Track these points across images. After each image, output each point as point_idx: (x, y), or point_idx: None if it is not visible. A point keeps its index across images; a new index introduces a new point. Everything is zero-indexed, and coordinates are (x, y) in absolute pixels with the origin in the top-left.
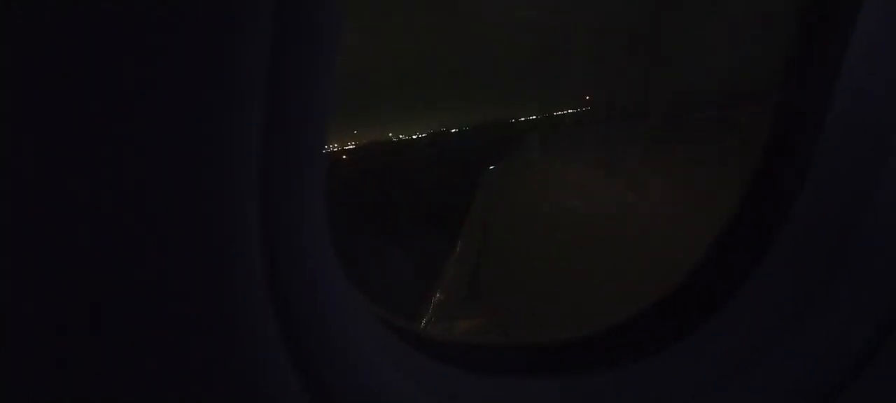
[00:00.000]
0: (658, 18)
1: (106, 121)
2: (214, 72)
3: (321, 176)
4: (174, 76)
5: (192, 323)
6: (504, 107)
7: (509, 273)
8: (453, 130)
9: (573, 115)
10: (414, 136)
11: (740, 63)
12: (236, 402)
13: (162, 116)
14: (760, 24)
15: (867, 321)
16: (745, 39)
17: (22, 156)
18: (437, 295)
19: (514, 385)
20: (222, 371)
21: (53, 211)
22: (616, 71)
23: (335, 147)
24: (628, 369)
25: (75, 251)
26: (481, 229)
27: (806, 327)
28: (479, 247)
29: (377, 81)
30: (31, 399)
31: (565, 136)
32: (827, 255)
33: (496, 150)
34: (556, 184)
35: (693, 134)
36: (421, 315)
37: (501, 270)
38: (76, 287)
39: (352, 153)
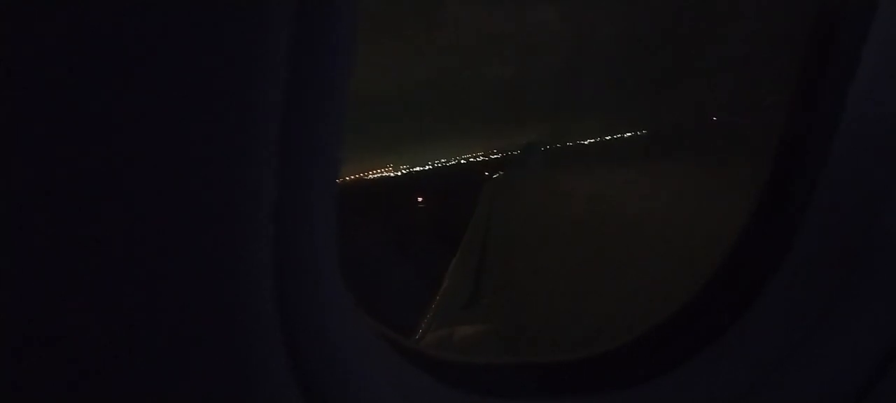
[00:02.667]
0: (669, 37)
1: (123, 146)
2: (231, 102)
3: (333, 194)
4: (192, 111)
5: (195, 331)
6: (516, 133)
7: (510, 280)
8: (463, 160)
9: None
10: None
11: (751, 76)
12: None
13: (180, 145)
14: (771, 36)
15: (884, 332)
16: (755, 53)
17: (36, 163)
18: (438, 302)
19: None
20: (223, 380)
21: (63, 220)
22: (631, 87)
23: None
24: (632, 392)
25: (85, 258)
26: (482, 237)
27: (821, 340)
28: (480, 255)
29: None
30: (31, 398)
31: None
32: (840, 266)
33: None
34: (557, 193)
35: (700, 144)
36: (422, 322)
37: (502, 277)
38: (83, 292)
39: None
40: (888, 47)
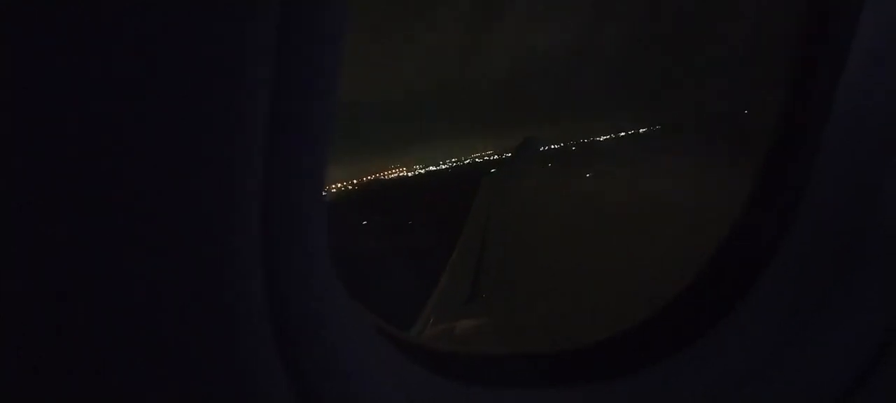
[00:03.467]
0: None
1: (111, 148)
2: (218, 103)
3: (321, 189)
4: (179, 113)
5: (187, 332)
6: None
7: (508, 274)
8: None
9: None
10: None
11: (746, 73)
12: None
13: (167, 146)
14: (765, 33)
15: (876, 325)
16: (749, 51)
17: (29, 164)
18: (438, 297)
19: (513, 396)
20: (217, 380)
21: (55, 221)
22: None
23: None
24: (626, 381)
25: (76, 259)
26: (481, 231)
27: (813, 333)
28: (479, 249)
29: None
30: (28, 398)
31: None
32: (833, 259)
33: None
34: (554, 188)
35: (696, 140)
36: (421, 317)
37: (501, 271)
38: (75, 293)
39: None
40: (877, 41)
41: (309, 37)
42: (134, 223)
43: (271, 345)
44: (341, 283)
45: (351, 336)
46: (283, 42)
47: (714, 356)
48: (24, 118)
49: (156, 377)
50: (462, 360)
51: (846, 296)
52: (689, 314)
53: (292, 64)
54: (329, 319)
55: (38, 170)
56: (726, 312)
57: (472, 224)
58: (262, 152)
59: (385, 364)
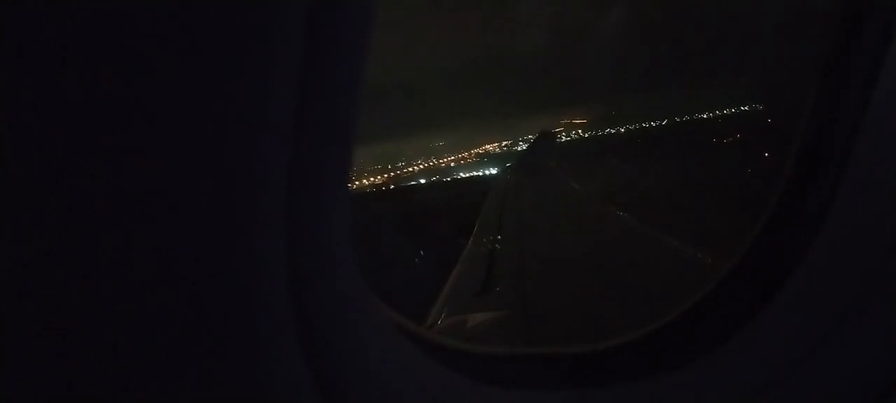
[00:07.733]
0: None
1: (136, 143)
2: (243, 99)
3: (346, 187)
4: (204, 108)
5: (210, 327)
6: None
7: (523, 267)
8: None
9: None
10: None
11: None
12: None
13: (192, 141)
14: (790, 29)
15: None
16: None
17: (54, 162)
18: (451, 289)
19: (531, 397)
20: (239, 376)
21: (79, 219)
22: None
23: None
24: (647, 384)
25: (100, 257)
26: (496, 225)
27: (838, 341)
28: (494, 242)
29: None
30: (48, 398)
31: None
32: (859, 268)
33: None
34: (571, 183)
35: (712, 140)
36: (435, 309)
37: (515, 265)
38: (99, 291)
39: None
40: None
41: (336, 32)
42: (157, 220)
43: (295, 342)
44: (362, 280)
45: (373, 333)
46: (310, 37)
47: (738, 361)
48: (46, 116)
49: (179, 375)
50: (482, 359)
51: (872, 305)
52: (713, 317)
53: (318, 60)
54: (352, 316)
55: (62, 168)
56: (750, 317)
57: (486, 217)
58: (286, 150)
59: (405, 362)
